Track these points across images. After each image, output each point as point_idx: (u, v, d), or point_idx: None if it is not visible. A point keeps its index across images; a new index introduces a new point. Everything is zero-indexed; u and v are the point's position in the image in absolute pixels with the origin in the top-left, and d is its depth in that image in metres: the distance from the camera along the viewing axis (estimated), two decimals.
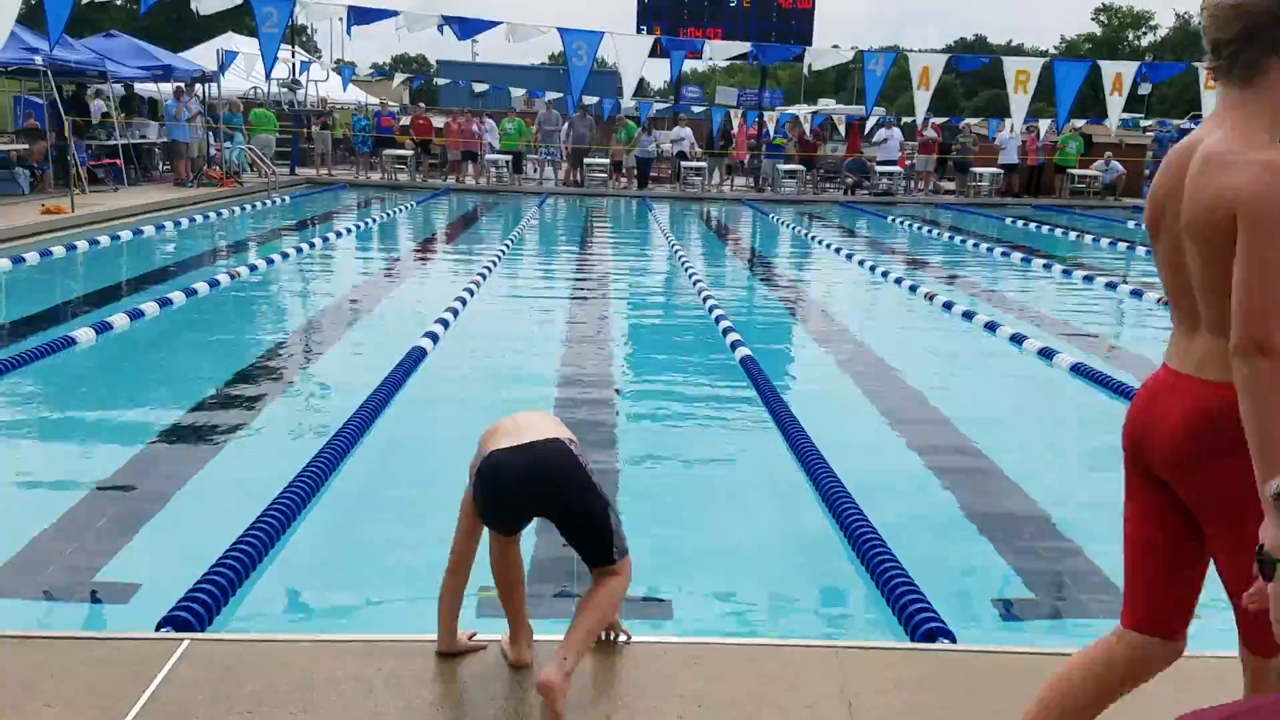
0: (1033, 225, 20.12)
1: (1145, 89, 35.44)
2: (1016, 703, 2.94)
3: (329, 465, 5.03)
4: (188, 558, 4.03)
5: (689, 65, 31.87)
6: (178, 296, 9.51)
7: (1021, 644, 3.62)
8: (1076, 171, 25.73)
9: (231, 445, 5.74)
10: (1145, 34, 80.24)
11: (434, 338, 8.10)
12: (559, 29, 20.43)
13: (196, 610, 3.45)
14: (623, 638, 3.19)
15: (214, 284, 10.39)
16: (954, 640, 3.47)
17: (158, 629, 3.36)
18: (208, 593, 3.56)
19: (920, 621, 3.56)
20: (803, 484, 5.22)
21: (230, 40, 29.10)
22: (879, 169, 25.76)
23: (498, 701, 2.85)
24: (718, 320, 9.30)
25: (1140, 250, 16.93)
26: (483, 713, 2.78)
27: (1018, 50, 75.67)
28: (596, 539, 2.84)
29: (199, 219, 16.32)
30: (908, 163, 26.56)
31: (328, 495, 4.84)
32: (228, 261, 12.67)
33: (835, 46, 28.21)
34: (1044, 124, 27.16)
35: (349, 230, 16.03)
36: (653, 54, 22.51)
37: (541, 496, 2.82)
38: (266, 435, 6.03)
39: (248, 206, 18.55)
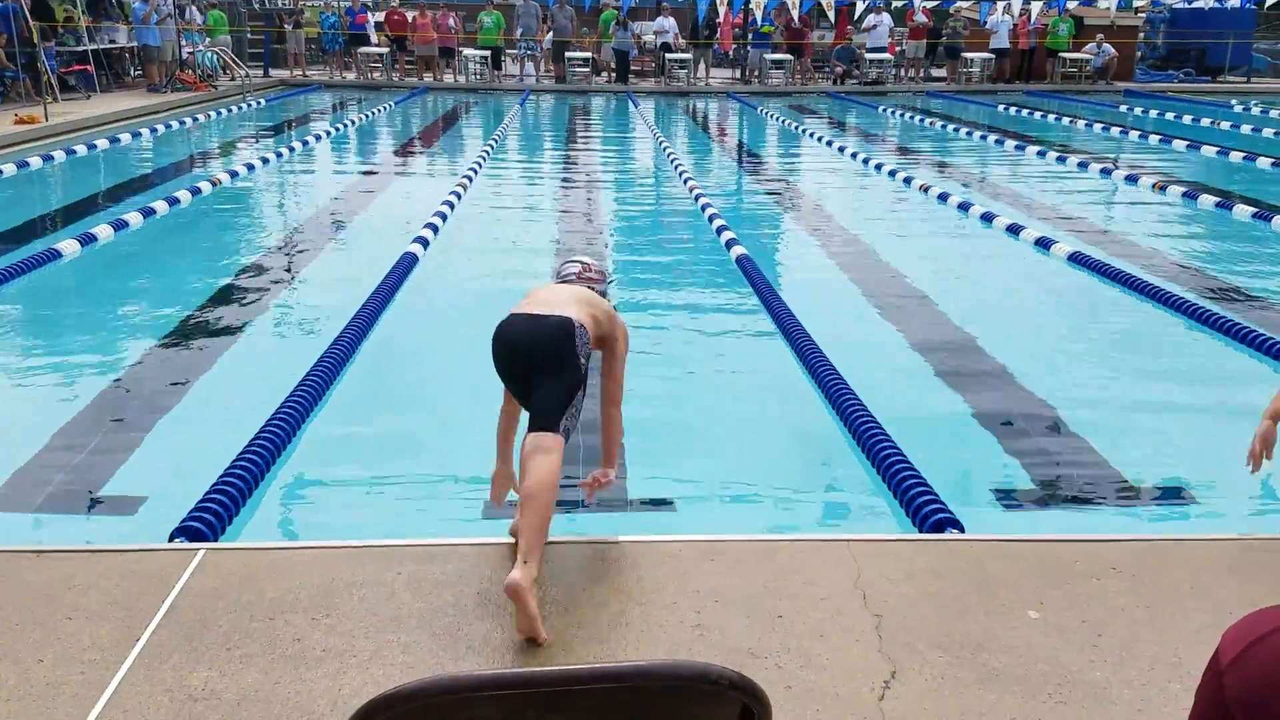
0: (1025, 112, 19.84)
1: None
2: (1026, 589, 3.00)
3: (330, 372, 5.00)
4: (189, 469, 4.05)
5: None
6: (161, 206, 9.34)
7: (1028, 532, 3.67)
8: (1068, 55, 25.24)
9: (226, 356, 5.69)
10: None
11: (424, 243, 7.99)
12: None
13: (209, 520, 3.45)
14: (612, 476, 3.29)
15: (196, 192, 10.20)
16: (962, 530, 3.51)
17: (171, 540, 3.36)
18: (219, 503, 3.56)
19: (929, 513, 3.59)
20: (803, 380, 5.22)
21: None
22: (868, 56, 25.21)
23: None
24: (711, 219, 9.19)
25: (1133, 135, 16.74)
26: (504, 615, 2.81)
27: None
28: (554, 402, 2.92)
29: (175, 125, 15.95)
30: (898, 49, 25.97)
31: (329, 404, 4.82)
32: (208, 169, 12.42)
33: None
34: (1035, 6, 26.47)
35: (328, 134, 15.69)
36: None
37: (529, 362, 2.98)
38: (261, 344, 5.98)
39: (223, 111, 18.12)
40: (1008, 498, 4.14)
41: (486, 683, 1.18)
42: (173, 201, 9.59)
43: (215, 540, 3.41)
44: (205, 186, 10.48)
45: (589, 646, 2.68)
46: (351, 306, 6.07)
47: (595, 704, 1.17)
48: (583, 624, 2.78)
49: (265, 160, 12.60)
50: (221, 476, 3.77)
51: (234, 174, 11.48)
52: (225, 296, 6.82)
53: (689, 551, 3.18)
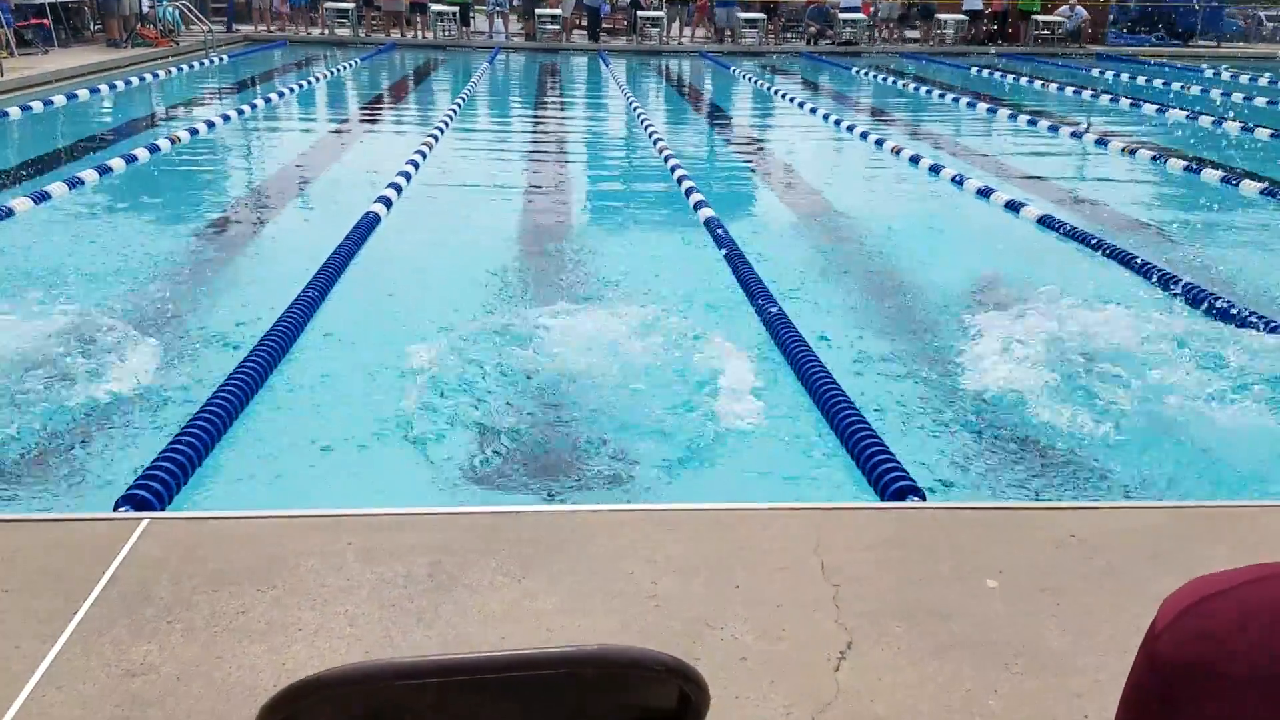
0: (997, 74, 19.76)
1: None
2: (985, 557, 2.97)
3: (284, 339, 4.89)
4: (134, 437, 3.96)
5: None
6: (118, 164, 9.12)
7: (988, 499, 3.65)
8: (1041, 18, 25.17)
9: (178, 319, 5.54)
10: None
11: (387, 203, 7.84)
12: None
13: (155, 489, 3.36)
14: None
15: (155, 150, 9.97)
16: (923, 498, 3.48)
17: (115, 509, 3.27)
18: (166, 471, 3.47)
19: (890, 481, 3.56)
20: (767, 345, 5.16)
21: None
22: (842, 16, 25.01)
23: (471, 573, 2.81)
24: (680, 180, 9.08)
25: (1104, 99, 16.73)
26: (457, 587, 2.75)
27: None
28: None
29: (135, 81, 15.59)
30: (872, 9, 25.79)
31: (282, 371, 4.71)
32: (168, 126, 12.16)
33: None
34: None
35: (292, 90, 15.37)
36: None
37: None
38: (214, 309, 5.84)
39: (185, 67, 17.72)
40: (969, 464, 4.11)
41: (406, 670, 1.11)
42: (131, 159, 9.37)
43: (162, 510, 3.33)
44: (164, 144, 10.25)
45: (543, 617, 2.63)
46: (308, 270, 5.94)
47: (529, 689, 1.12)
48: (538, 594, 2.73)
49: (227, 118, 12.35)
50: (169, 444, 3.68)
51: (194, 131, 11.22)
52: (179, 259, 6.67)
53: (646, 521, 3.12)
